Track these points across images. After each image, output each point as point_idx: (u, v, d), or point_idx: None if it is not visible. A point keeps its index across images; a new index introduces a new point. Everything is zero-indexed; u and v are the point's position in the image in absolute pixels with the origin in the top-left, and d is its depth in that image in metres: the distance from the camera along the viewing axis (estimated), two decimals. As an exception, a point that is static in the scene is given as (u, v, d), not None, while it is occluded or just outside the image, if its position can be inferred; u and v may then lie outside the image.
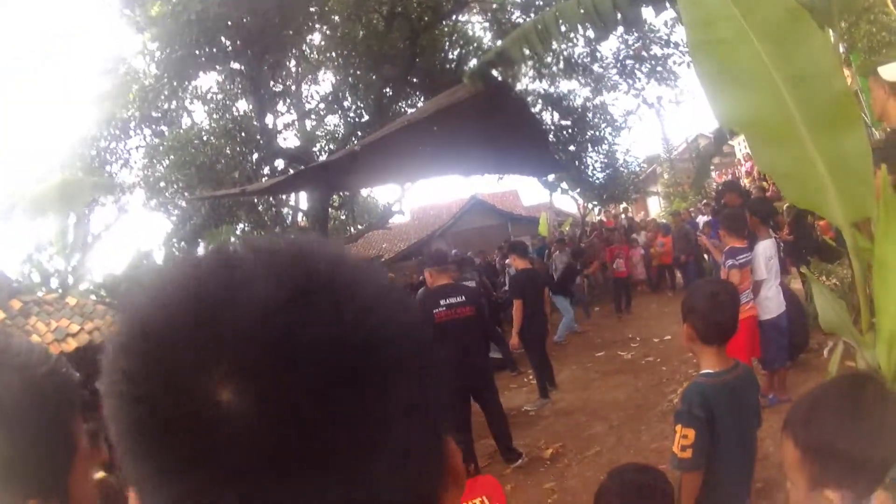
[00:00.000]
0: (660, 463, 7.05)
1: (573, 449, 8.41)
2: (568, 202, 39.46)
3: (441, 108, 9.95)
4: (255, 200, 22.58)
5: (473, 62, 21.37)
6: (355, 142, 21.37)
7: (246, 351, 0.59)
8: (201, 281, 0.65)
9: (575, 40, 19.16)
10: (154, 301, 0.65)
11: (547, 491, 7.25)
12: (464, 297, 7.94)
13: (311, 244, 0.71)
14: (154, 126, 24.17)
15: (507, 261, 9.52)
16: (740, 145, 28.04)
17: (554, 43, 9.35)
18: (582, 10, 8.39)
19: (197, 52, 18.87)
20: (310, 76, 23.52)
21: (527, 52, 9.05)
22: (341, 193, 23.73)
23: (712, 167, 25.23)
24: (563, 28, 8.83)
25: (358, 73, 20.85)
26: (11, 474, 1.01)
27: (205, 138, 20.88)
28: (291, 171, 19.88)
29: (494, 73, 10.05)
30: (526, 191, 53.45)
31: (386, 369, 0.64)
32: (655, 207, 39.44)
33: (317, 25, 20.78)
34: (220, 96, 22.95)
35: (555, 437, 8.91)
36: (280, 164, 22.47)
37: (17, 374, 1.08)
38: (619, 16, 8.44)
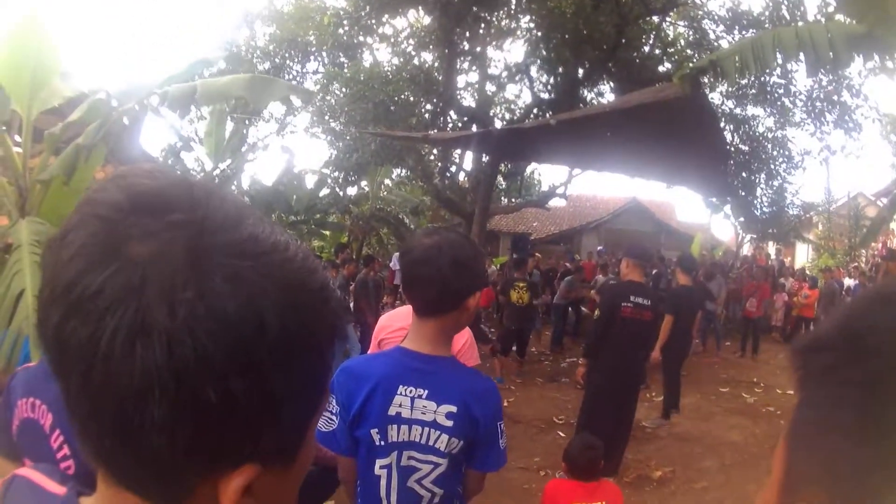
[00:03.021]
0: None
1: (682, 477, 8.29)
2: (722, 230, 38.72)
3: (644, 104, 9.85)
4: (425, 150, 22.79)
5: (668, 65, 21.24)
6: (535, 114, 21.41)
7: None
8: None
9: (777, 68, 18.76)
10: None
11: (649, 512, 7.17)
12: (649, 302, 7.94)
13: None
14: (334, 56, 24.52)
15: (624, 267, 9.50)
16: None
17: (765, 66, 9.22)
18: (798, 41, 8.28)
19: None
20: (497, 42, 23.45)
21: (740, 68, 8.95)
22: (508, 164, 23.72)
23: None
24: (778, 54, 8.71)
25: (556, 48, 20.70)
26: (248, 416, 0.74)
27: (388, 77, 21.08)
28: (475, 128, 19.99)
29: (703, 81, 9.96)
30: (682, 207, 52.86)
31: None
32: (802, 256, 38.36)
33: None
34: (410, 41, 23.12)
35: (666, 461, 8.79)
36: (455, 119, 22.59)
37: (287, 280, 0.76)
38: (831, 54, 8.30)
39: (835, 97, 21.27)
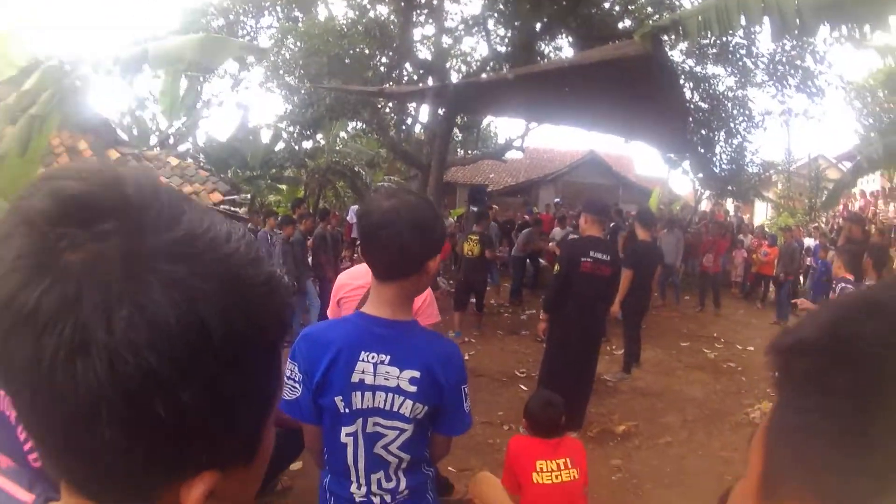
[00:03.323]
0: (726, 472, 7.04)
1: (645, 432, 8.31)
2: (680, 184, 39.01)
3: (605, 59, 9.79)
4: (380, 103, 22.69)
5: (628, 22, 21.17)
6: (492, 68, 21.39)
7: None
8: None
9: (740, 29, 18.76)
10: None
11: (612, 468, 7.18)
12: (608, 257, 7.93)
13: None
14: (288, 11, 24.35)
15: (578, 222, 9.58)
16: (870, 182, 27.53)
17: (728, 28, 9.16)
18: (763, 5, 8.20)
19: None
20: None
21: (702, 28, 8.87)
22: (464, 116, 23.67)
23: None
24: (742, 17, 8.64)
25: (514, 1, 20.53)
26: (202, 426, 0.71)
27: (344, 31, 20.90)
28: (431, 82, 19.92)
29: (664, 39, 9.90)
30: (640, 160, 53.30)
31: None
32: (761, 214, 38.80)
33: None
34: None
35: (629, 415, 8.82)
36: (411, 71, 22.53)
37: (229, 278, 0.71)
38: (798, 21, 8.23)
39: (798, 62, 21.33)
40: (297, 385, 2.59)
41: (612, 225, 15.75)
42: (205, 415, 0.70)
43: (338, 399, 2.52)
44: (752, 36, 21.08)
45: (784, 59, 21.44)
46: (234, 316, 0.70)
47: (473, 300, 13.83)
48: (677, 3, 20.08)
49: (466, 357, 11.09)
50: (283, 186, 27.84)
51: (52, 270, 0.65)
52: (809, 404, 0.76)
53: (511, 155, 31.08)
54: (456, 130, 24.88)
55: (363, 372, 2.51)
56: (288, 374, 2.61)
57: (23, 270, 0.66)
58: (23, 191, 0.73)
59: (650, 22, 12.26)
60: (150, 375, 0.65)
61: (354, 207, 24.59)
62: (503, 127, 56.23)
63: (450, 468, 6.46)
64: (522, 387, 9.80)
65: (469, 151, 29.91)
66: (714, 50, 21.87)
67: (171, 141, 24.21)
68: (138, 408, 0.66)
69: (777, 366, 0.83)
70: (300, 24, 22.55)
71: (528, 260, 18.49)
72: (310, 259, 13.87)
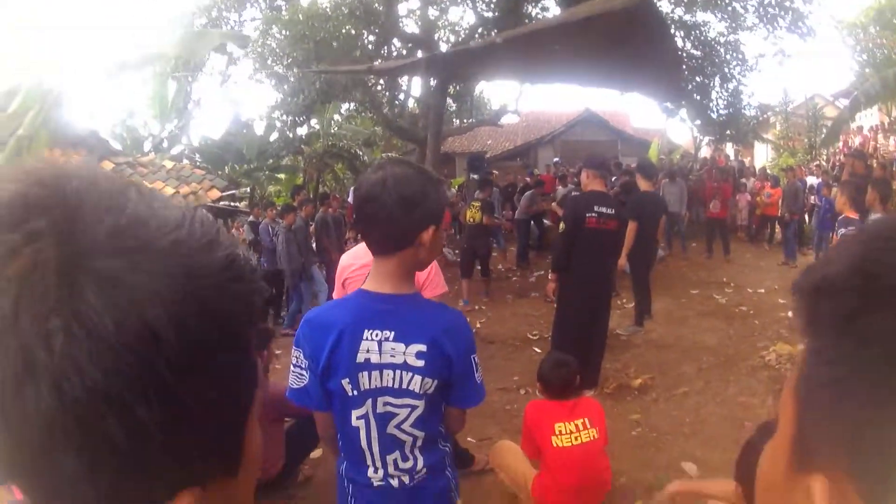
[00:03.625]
0: (745, 418, 7.05)
1: (661, 384, 8.31)
2: (679, 133, 38.88)
3: (593, 14, 9.72)
4: (371, 82, 22.65)
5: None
6: (480, 34, 21.34)
7: None
8: None
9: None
10: None
11: (632, 423, 7.16)
12: (613, 210, 7.89)
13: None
14: (271, 0, 24.33)
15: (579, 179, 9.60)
16: (868, 117, 27.43)
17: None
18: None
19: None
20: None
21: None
22: (456, 85, 23.62)
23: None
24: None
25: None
26: (168, 443, 0.63)
27: (328, 13, 20.85)
28: (420, 54, 19.88)
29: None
30: (637, 113, 53.15)
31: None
32: (762, 156, 38.72)
33: None
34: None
35: (645, 368, 8.82)
36: (399, 46, 22.48)
37: (179, 269, 0.64)
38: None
39: (787, 3, 21.23)
40: (303, 372, 2.55)
41: (622, 181, 15.68)
42: (168, 431, 0.62)
43: (345, 382, 2.47)
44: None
45: (773, 2, 21.33)
46: (187, 313, 0.62)
47: (479, 267, 13.86)
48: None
49: (477, 325, 11.12)
50: (282, 175, 27.87)
51: None
52: (839, 354, 0.66)
53: (507, 119, 31.10)
54: (449, 101, 24.89)
55: (368, 351, 2.45)
56: (294, 362, 2.57)
57: None
58: None
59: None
60: (98, 394, 0.58)
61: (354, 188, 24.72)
62: (496, 93, 56.19)
63: (469, 438, 6.46)
64: (536, 349, 9.80)
65: (464, 120, 29.85)
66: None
67: (165, 144, 24.27)
68: (93, 432, 0.59)
69: (802, 309, 0.73)
70: (284, 13, 22.50)
71: (532, 222, 18.50)
72: (314, 244, 13.89)
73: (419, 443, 2.58)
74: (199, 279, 0.65)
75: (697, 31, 22.89)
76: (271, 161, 26.21)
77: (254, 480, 0.83)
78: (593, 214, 7.72)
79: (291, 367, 2.59)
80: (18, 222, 0.60)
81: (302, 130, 27.61)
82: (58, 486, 0.62)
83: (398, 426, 2.53)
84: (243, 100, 74.90)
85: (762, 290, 13.08)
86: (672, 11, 22.37)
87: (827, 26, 22.02)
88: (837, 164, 23.23)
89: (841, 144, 26.76)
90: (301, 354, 2.54)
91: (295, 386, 2.58)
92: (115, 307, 0.59)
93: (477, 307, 12.64)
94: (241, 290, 0.70)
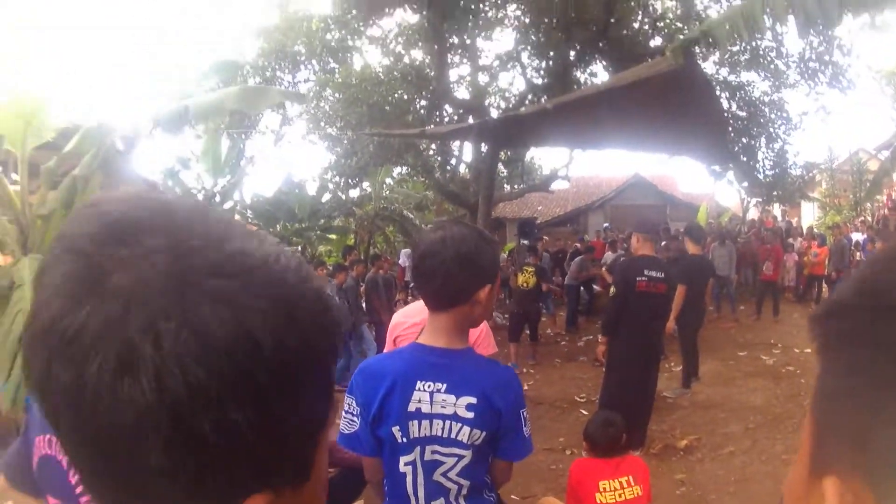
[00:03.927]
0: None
1: (708, 444, 8.34)
2: (726, 196, 38.72)
3: (639, 79, 9.83)
4: (423, 146, 22.87)
5: (659, 40, 21.24)
6: (530, 100, 21.47)
7: None
8: None
9: (767, 32, 18.72)
10: None
11: (676, 482, 7.20)
12: (663, 274, 8.03)
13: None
14: (324, 63, 24.61)
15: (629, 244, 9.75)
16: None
17: (756, 31, 9.24)
18: (787, 3, 8.29)
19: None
20: (486, 32, 23.40)
21: (731, 36, 8.97)
22: (507, 151, 23.76)
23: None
24: (767, 17, 8.72)
25: (546, 32, 20.68)
26: (252, 446, 0.69)
27: (380, 78, 21.12)
28: (471, 120, 20.04)
29: (695, 51, 9.96)
30: (684, 178, 53.01)
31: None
32: (808, 215, 38.39)
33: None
34: (399, 39, 23.16)
35: (691, 429, 8.86)
36: (450, 112, 22.65)
37: (281, 295, 0.71)
38: (821, 12, 8.30)
39: (826, 57, 21.26)
40: (355, 418, 2.62)
41: (663, 244, 15.76)
42: (254, 434, 0.67)
43: (395, 429, 2.54)
44: (780, 37, 21.14)
45: (813, 56, 21.43)
46: (287, 333, 0.69)
47: (528, 331, 13.87)
48: (705, 14, 20.18)
49: (525, 387, 11.09)
50: (333, 236, 27.91)
51: (98, 292, 0.64)
52: (846, 365, 0.72)
53: (557, 185, 31.07)
54: (500, 166, 24.86)
55: (419, 401, 2.53)
56: (346, 409, 2.66)
57: (66, 295, 0.65)
58: (67, 220, 0.74)
59: (680, 36, 12.31)
60: (199, 392, 0.63)
61: (406, 251, 24.73)
62: (547, 158, 56.17)
63: (513, 496, 6.50)
64: (583, 412, 9.81)
65: (515, 186, 29.89)
66: (745, 56, 21.94)
67: (217, 199, 24.47)
68: (185, 428, 0.64)
69: (816, 334, 0.79)
70: (337, 75, 22.69)
71: (581, 287, 18.55)
72: (364, 304, 14.04)
73: (464, 491, 2.63)
74: (297, 306, 0.72)
75: (742, 92, 22.91)
76: (323, 221, 26.23)
77: (319, 493, 0.86)
78: (643, 278, 7.85)
79: (343, 413, 2.67)
80: (131, 239, 0.67)
81: (354, 192, 27.74)
82: (137, 480, 0.66)
83: (444, 474, 2.59)
84: (296, 160, 75.41)
85: (809, 350, 12.84)
86: (717, 72, 22.48)
87: (865, 78, 21.83)
88: (881, 218, 23.03)
89: (885, 198, 26.51)
90: (353, 401, 2.63)
91: (346, 431, 2.66)
92: (227, 320, 0.65)
93: (525, 370, 12.64)
94: (327, 321, 0.77)
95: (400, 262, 22.76)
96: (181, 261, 0.67)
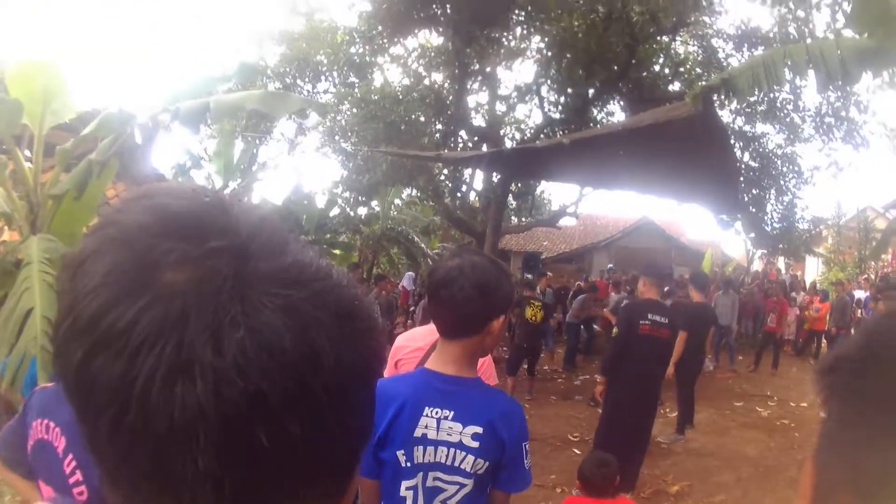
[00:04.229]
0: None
1: (699, 492, 8.33)
2: (732, 246, 38.77)
3: (657, 122, 9.87)
4: (436, 170, 22.91)
5: (678, 84, 21.30)
6: (546, 134, 21.49)
7: None
8: None
9: (787, 84, 18.77)
10: None
11: (667, 528, 7.21)
12: (667, 319, 8.03)
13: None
14: (344, 76, 24.69)
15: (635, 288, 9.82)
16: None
17: (777, 83, 9.27)
18: (808, 58, 8.33)
19: (414, 11, 19.23)
20: (507, 62, 23.44)
21: (751, 85, 9.00)
22: (518, 183, 23.77)
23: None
24: (788, 70, 8.76)
25: (567, 68, 20.75)
26: (301, 456, 0.68)
27: (399, 97, 21.16)
28: (486, 148, 20.05)
29: (715, 98, 9.99)
30: (692, 225, 53.06)
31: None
32: (812, 269, 38.39)
33: (527, 11, 20.72)
34: (421, 61, 23.21)
35: (683, 475, 8.85)
36: (466, 138, 22.69)
37: (342, 310, 0.71)
38: (841, 70, 8.33)
39: (842, 113, 21.29)
40: None
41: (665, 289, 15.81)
42: (306, 447, 0.66)
43: (399, 453, 2.55)
44: (798, 90, 21.16)
45: (830, 111, 21.44)
46: (343, 348, 0.69)
47: (525, 365, 13.85)
48: (726, 63, 20.25)
49: (521, 420, 11.19)
50: (338, 252, 27.92)
51: (151, 287, 0.63)
52: (849, 413, 0.80)
53: (565, 222, 31.32)
54: (510, 198, 24.98)
55: (426, 427, 2.54)
56: None
57: (114, 286, 0.64)
58: (114, 205, 0.74)
59: (700, 83, 12.37)
60: (257, 401, 0.62)
61: (409, 274, 24.72)
62: (557, 193, 56.20)
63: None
64: (576, 451, 9.80)
65: (523, 219, 29.90)
66: (763, 107, 21.91)
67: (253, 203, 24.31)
68: (239, 435, 0.62)
69: (821, 386, 0.85)
70: (356, 90, 22.74)
71: (582, 326, 18.57)
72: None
73: None
74: (352, 322, 0.71)
75: (756, 143, 22.94)
76: (329, 236, 26.24)
77: None
78: (647, 322, 7.86)
79: None
80: (195, 237, 0.66)
81: (362, 210, 27.77)
82: (176, 481, 0.63)
83: (444, 501, 2.58)
84: (307, 170, 75.36)
85: (805, 404, 12.92)
86: (733, 122, 22.47)
87: (879, 135, 21.80)
88: (883, 275, 23.02)
89: (890, 257, 26.52)
90: None
91: None
92: (292, 329, 0.64)
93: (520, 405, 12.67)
94: (376, 338, 0.76)
95: (403, 283, 22.73)
96: (244, 265, 0.66)
